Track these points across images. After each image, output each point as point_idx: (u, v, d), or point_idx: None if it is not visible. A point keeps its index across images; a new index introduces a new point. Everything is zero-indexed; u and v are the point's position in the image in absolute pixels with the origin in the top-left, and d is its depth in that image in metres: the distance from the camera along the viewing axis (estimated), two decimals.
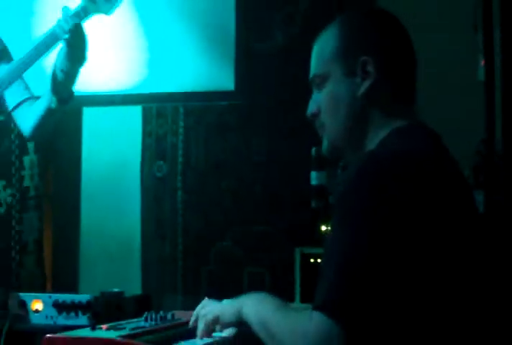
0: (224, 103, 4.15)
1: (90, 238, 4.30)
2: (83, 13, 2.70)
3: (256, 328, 1.69)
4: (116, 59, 4.17)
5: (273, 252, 4.02)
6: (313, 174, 3.51)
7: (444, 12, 3.82)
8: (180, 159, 4.29)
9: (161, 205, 4.30)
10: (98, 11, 2.71)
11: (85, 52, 2.73)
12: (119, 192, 4.30)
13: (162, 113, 4.32)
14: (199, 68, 4.17)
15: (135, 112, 4.32)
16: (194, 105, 4.26)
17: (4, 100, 2.89)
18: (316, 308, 1.54)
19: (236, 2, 4.09)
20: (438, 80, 3.50)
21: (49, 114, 2.80)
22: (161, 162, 4.30)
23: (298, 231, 3.86)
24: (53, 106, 2.76)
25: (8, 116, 2.95)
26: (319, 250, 3.29)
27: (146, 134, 4.34)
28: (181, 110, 4.28)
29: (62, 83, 2.74)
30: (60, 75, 2.71)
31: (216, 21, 4.15)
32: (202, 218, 4.22)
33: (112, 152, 4.25)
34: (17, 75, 2.76)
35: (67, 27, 2.67)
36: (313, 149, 3.45)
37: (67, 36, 2.68)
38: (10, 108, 2.89)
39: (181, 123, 4.29)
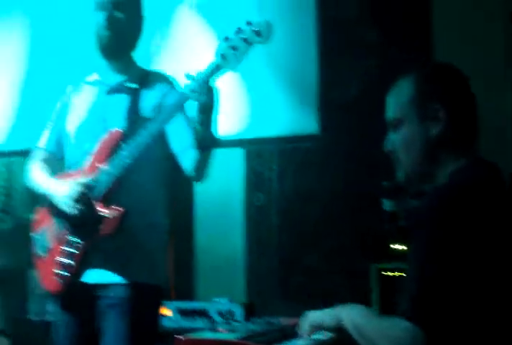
0: (310, 145, 4.14)
1: (204, 255, 4.31)
2: (216, 70, 2.43)
3: (353, 332, 1.68)
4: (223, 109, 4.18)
5: (352, 267, 3.97)
6: (386, 201, 3.48)
7: None
8: (274, 191, 4.27)
9: (260, 228, 4.29)
10: (228, 68, 2.43)
11: (217, 105, 2.48)
12: (226, 218, 4.31)
13: (261, 153, 4.31)
14: (287, 115, 4.17)
15: (238, 152, 4.33)
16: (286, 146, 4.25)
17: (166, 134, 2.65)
18: (405, 317, 1.57)
19: (318, 59, 4.06)
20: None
21: (201, 160, 2.60)
22: (259, 194, 4.30)
23: (373, 249, 3.80)
24: (199, 156, 2.58)
25: None
26: (391, 265, 3.27)
27: (247, 170, 4.33)
28: (275, 150, 4.27)
29: (202, 134, 2.51)
30: (198, 128, 2.50)
31: (300, 73, 4.12)
32: (293, 237, 4.20)
33: (219, 186, 4.26)
34: (154, 134, 2.51)
35: (199, 87, 2.43)
36: (385, 182, 3.40)
37: (199, 93, 2.43)
38: (175, 149, 2.66)
39: (275, 161, 4.28)
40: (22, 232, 2.87)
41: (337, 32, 4.11)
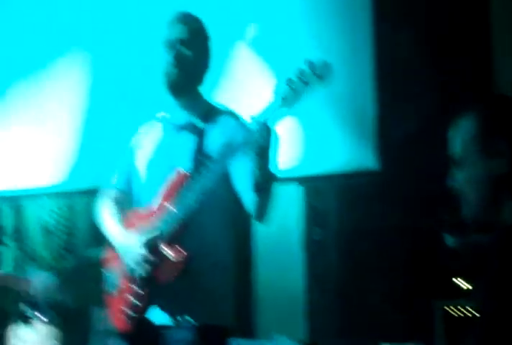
0: (369, 180, 4.11)
1: (264, 292, 4.29)
2: (275, 112, 2.40)
3: None
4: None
5: (415, 304, 3.90)
6: (448, 237, 3.41)
7: None
8: (333, 227, 4.25)
9: (319, 264, 4.26)
10: (287, 110, 2.40)
11: (275, 148, 2.46)
12: (285, 254, 4.30)
13: (320, 189, 4.30)
14: (346, 151, 4.16)
15: (297, 189, 4.32)
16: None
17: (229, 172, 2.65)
18: None
19: (376, 94, 4.05)
20: None
21: (262, 201, 2.56)
22: (318, 229, 4.28)
23: (436, 285, 3.74)
24: (259, 197, 2.54)
25: None
26: (454, 302, 3.21)
27: (306, 206, 4.33)
28: (334, 186, 4.25)
29: (260, 176, 2.48)
30: (256, 171, 2.47)
31: (358, 108, 4.12)
32: (353, 274, 4.16)
33: (278, 221, 4.24)
34: (219, 175, 2.53)
35: (257, 129, 2.41)
36: (448, 217, 3.35)
37: (257, 136, 2.41)
38: (237, 188, 2.64)
39: (334, 197, 4.26)
40: (84, 270, 2.90)
41: (395, 68, 4.09)
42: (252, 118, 2.44)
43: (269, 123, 2.41)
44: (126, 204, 2.75)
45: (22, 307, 3.84)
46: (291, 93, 2.37)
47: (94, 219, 2.80)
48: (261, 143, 2.41)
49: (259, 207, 2.56)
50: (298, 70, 2.38)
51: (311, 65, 2.37)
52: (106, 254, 2.73)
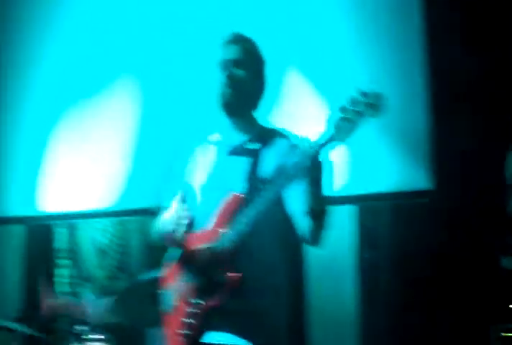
0: (424, 200, 4.06)
1: (316, 314, 4.26)
2: (328, 142, 2.39)
3: None
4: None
5: (471, 328, 3.83)
6: (506, 259, 3.35)
7: None
8: (387, 248, 4.22)
9: (372, 286, 4.22)
10: (340, 140, 2.39)
11: (331, 177, 2.48)
12: (338, 274, 4.27)
13: (373, 209, 4.28)
14: (400, 170, 4.13)
15: (350, 208, 4.29)
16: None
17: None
18: None
19: (430, 112, 4.02)
20: None
21: (316, 227, 2.58)
22: (372, 250, 4.24)
23: (492, 309, 3.66)
24: (313, 223, 2.55)
25: None
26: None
27: (360, 226, 4.32)
28: (388, 206, 4.22)
29: (314, 204, 2.50)
30: (309, 199, 2.48)
31: (411, 127, 4.09)
32: (407, 296, 4.11)
33: (331, 242, 4.21)
34: (273, 198, 2.52)
35: (309, 159, 2.42)
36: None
37: (310, 166, 2.42)
38: (291, 212, 2.63)
39: (388, 217, 4.23)
40: (139, 290, 2.92)
41: (450, 86, 4.06)
42: (305, 146, 2.44)
43: (322, 152, 2.41)
44: None
45: (78, 329, 3.86)
46: (343, 123, 2.36)
47: (149, 239, 2.81)
48: (314, 172, 2.43)
49: (314, 232, 2.57)
50: (351, 99, 2.36)
51: (364, 94, 2.36)
52: (162, 273, 2.74)
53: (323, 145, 2.40)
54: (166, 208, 2.82)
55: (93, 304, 4.15)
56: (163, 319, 2.69)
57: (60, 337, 4.24)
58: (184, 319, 2.56)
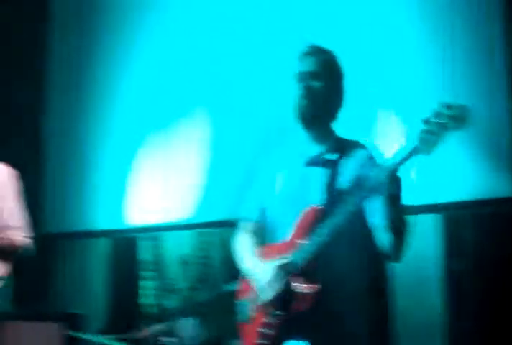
0: (507, 207, 3.96)
1: (402, 323, 4.20)
2: (411, 155, 2.34)
3: None
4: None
5: None
6: None
7: None
8: (473, 256, 4.14)
9: (458, 295, 4.14)
10: (423, 153, 2.31)
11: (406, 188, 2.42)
12: (423, 284, 4.20)
13: (458, 217, 4.21)
14: (484, 178, 4.03)
15: (435, 217, 4.23)
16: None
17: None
18: None
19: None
20: None
21: (397, 243, 2.52)
22: (458, 259, 4.17)
23: None
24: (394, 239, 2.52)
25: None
26: None
27: (445, 235, 4.24)
28: (473, 214, 4.13)
29: (394, 221, 2.45)
30: (390, 216, 2.45)
31: (494, 135, 4.01)
32: (494, 305, 3.99)
33: (416, 251, 4.14)
34: (352, 210, 2.48)
35: (388, 176, 2.38)
36: None
37: (388, 183, 2.38)
38: (371, 225, 2.59)
39: (473, 226, 4.15)
40: (220, 302, 2.93)
41: None
42: (385, 159, 2.43)
43: (402, 165, 2.37)
44: (261, 237, 2.78)
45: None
46: (428, 136, 2.31)
47: (229, 250, 2.85)
48: (393, 186, 2.40)
49: (394, 248, 2.53)
50: (435, 111, 2.31)
51: (449, 106, 2.30)
52: (239, 284, 2.76)
53: (404, 158, 2.36)
54: (245, 220, 2.85)
55: (186, 327, 4.18)
56: (240, 330, 2.70)
57: None
58: (261, 329, 2.57)
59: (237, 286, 2.77)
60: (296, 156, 2.74)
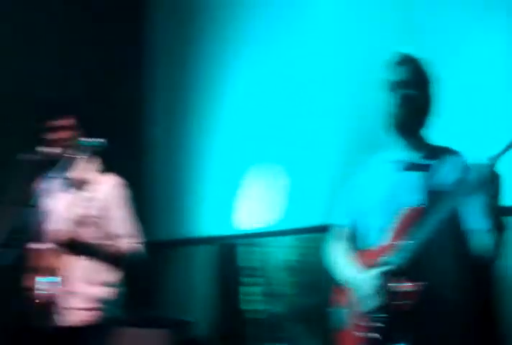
0: None
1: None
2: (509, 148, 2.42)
3: None
4: None
5: None
6: None
7: None
8: None
9: None
10: None
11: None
12: None
13: None
14: None
15: None
16: None
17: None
18: None
19: None
20: None
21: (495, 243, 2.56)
22: None
23: None
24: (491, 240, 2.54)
25: None
26: None
27: None
28: None
29: (495, 220, 2.52)
30: (490, 216, 2.50)
31: None
32: None
33: None
34: (450, 211, 2.54)
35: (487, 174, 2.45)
36: None
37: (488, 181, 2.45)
38: (466, 227, 2.62)
39: None
40: (325, 307, 2.92)
41: None
42: (481, 160, 2.46)
43: (497, 163, 2.44)
44: (354, 242, 2.82)
45: None
46: None
47: (324, 260, 2.88)
48: (493, 186, 2.46)
49: (492, 249, 2.54)
50: None
51: None
52: (333, 292, 2.79)
53: (502, 153, 2.42)
54: (336, 226, 2.87)
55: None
56: (336, 338, 2.71)
57: None
58: (365, 334, 2.57)
59: (331, 293, 2.79)
60: (391, 162, 2.77)
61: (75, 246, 3.38)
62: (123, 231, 3.58)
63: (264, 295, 5.05)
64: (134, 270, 3.64)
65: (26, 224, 3.35)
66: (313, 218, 4.64)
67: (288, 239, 4.95)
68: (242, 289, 5.13)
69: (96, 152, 3.56)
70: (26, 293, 3.41)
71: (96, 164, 3.66)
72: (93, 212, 3.51)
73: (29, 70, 5.52)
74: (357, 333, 2.59)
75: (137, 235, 3.62)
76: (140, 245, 3.61)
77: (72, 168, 3.56)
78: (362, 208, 2.79)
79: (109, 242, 3.54)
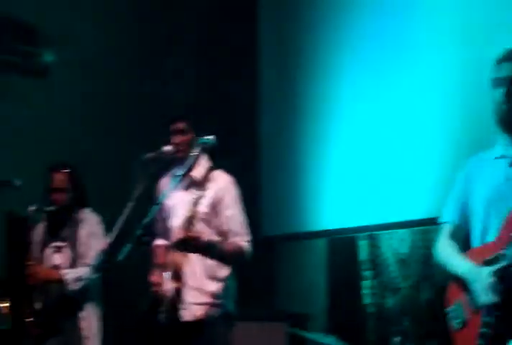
0: None
1: None
2: None
3: None
4: None
5: None
6: None
7: None
8: None
9: None
10: None
11: None
12: None
13: None
14: None
15: None
16: None
17: None
18: None
19: None
20: None
21: None
22: None
23: None
24: None
25: None
26: None
27: None
28: None
29: None
30: None
31: None
32: None
33: None
34: None
35: None
36: None
37: None
38: None
39: None
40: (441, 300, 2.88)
41: None
42: None
43: None
44: (464, 239, 2.79)
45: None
46: None
47: (435, 256, 2.87)
48: None
49: None
50: None
51: None
52: (447, 291, 2.76)
53: None
54: (446, 223, 2.85)
55: None
56: (453, 335, 2.68)
57: None
58: (481, 330, 2.55)
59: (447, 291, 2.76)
60: (499, 158, 2.74)
61: (193, 244, 3.45)
62: (237, 229, 3.63)
63: (379, 289, 5.01)
64: (249, 266, 3.69)
65: (152, 221, 3.45)
66: (424, 211, 4.58)
67: (404, 232, 4.90)
68: (360, 283, 5.09)
69: (209, 150, 3.63)
70: (151, 289, 3.51)
71: (208, 161, 3.73)
72: (206, 209, 3.58)
73: (156, 71, 5.74)
74: (472, 329, 2.57)
75: (248, 232, 3.66)
76: (250, 242, 3.64)
77: (190, 166, 3.64)
78: (471, 205, 2.75)
79: (222, 239, 3.60)
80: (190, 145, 3.64)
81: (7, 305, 3.96)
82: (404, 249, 4.92)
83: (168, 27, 5.93)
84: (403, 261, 4.91)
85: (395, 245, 4.97)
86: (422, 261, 4.80)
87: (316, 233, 5.39)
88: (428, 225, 4.54)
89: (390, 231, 4.95)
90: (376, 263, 5.08)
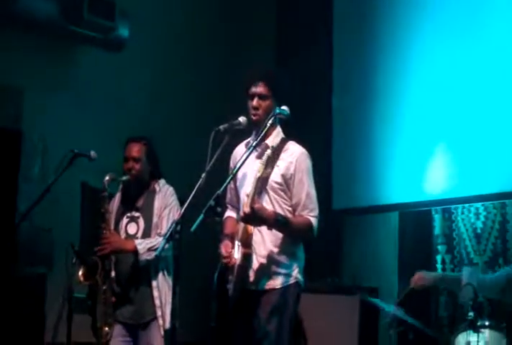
0: None
1: None
2: None
3: None
4: None
5: None
6: None
7: None
8: None
9: None
10: None
11: None
12: None
13: None
14: None
15: None
16: None
17: None
18: None
19: None
20: None
21: None
22: None
23: None
24: None
25: None
26: None
27: None
28: None
29: None
30: None
31: None
32: None
33: None
34: None
35: None
36: None
37: None
38: None
39: None
40: None
41: None
42: None
43: None
44: None
45: (467, 312, 3.75)
46: None
47: None
48: None
49: None
50: None
51: None
52: None
53: None
54: None
55: (471, 275, 4.01)
56: None
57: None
58: None
59: None
60: None
61: (259, 217, 3.37)
62: (304, 201, 3.52)
63: (453, 263, 4.91)
64: (319, 239, 3.60)
65: (225, 192, 3.38)
66: (502, 184, 4.43)
67: (477, 206, 4.79)
68: (432, 257, 5.00)
69: (284, 121, 3.52)
70: (221, 259, 3.45)
71: (282, 132, 3.63)
72: (278, 179, 3.48)
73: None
74: None
75: (316, 207, 3.55)
76: (317, 217, 3.53)
77: (264, 135, 3.53)
78: None
79: (290, 211, 3.51)
80: (267, 112, 3.52)
81: (83, 273, 3.97)
82: (480, 223, 4.80)
83: None
84: (478, 236, 4.81)
85: (471, 219, 4.87)
86: (498, 236, 4.69)
87: (387, 206, 5.30)
88: (506, 198, 4.44)
89: (466, 204, 4.83)
90: (450, 237, 4.99)
